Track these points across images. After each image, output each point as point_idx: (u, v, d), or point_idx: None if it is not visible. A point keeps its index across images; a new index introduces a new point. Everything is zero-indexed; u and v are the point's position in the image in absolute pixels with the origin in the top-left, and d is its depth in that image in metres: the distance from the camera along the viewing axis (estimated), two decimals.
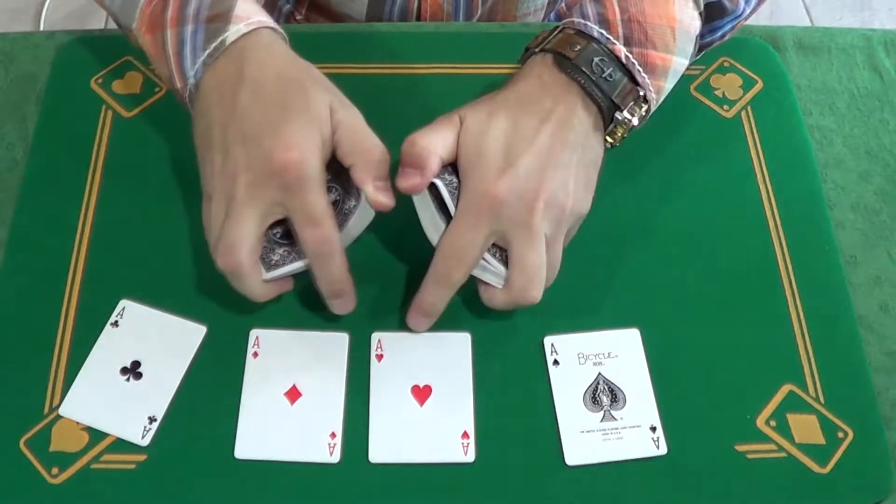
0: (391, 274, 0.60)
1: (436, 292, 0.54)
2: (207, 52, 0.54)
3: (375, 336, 0.57)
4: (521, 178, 0.52)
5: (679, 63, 0.59)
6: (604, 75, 0.56)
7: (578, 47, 0.56)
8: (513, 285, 0.54)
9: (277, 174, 0.51)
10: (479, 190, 0.52)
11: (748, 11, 0.66)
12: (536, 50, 0.58)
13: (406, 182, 0.53)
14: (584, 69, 0.55)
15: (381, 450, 0.53)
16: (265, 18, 0.56)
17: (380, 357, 0.57)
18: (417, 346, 0.57)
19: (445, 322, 0.57)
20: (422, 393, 0.55)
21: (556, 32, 0.58)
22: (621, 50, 0.56)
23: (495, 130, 0.54)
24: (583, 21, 0.57)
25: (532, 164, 0.53)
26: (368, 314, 0.58)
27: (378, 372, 0.56)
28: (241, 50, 0.54)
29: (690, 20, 0.59)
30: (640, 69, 0.56)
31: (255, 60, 0.54)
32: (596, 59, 0.56)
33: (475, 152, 0.53)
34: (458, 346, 0.57)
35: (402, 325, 0.57)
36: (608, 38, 0.56)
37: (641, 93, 0.57)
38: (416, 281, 0.56)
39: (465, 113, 0.55)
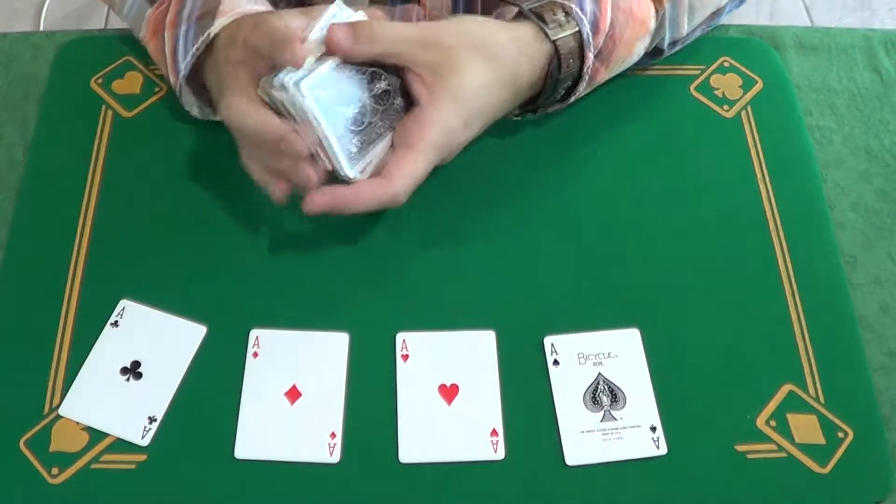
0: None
1: (369, 208, 0.55)
2: (196, 45, 0.57)
3: (400, 336, 0.57)
4: (473, 136, 0.58)
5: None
6: (565, 86, 0.61)
7: (571, 61, 0.59)
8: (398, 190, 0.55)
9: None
10: (451, 131, 0.56)
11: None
12: (549, 30, 0.58)
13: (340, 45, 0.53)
14: (563, 76, 0.60)
15: (411, 450, 0.53)
16: (252, 7, 0.59)
17: (405, 357, 0.57)
18: (443, 345, 0.57)
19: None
20: (449, 392, 0.55)
21: (569, 22, 0.59)
22: (589, 59, 0.60)
23: (487, 93, 0.57)
24: (581, 15, 0.59)
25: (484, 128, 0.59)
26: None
27: (404, 372, 0.56)
28: (219, 39, 0.57)
29: (638, 55, 0.64)
30: (586, 81, 0.61)
31: (223, 46, 0.57)
32: (571, 72, 0.60)
33: (466, 97, 0.56)
34: (483, 345, 0.57)
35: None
36: (589, 44, 0.59)
37: (561, 105, 0.63)
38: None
39: (468, 66, 0.55)
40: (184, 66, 0.58)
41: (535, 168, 0.65)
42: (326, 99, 0.53)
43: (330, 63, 0.53)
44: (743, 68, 0.71)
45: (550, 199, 0.63)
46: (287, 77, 0.52)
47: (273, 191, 0.56)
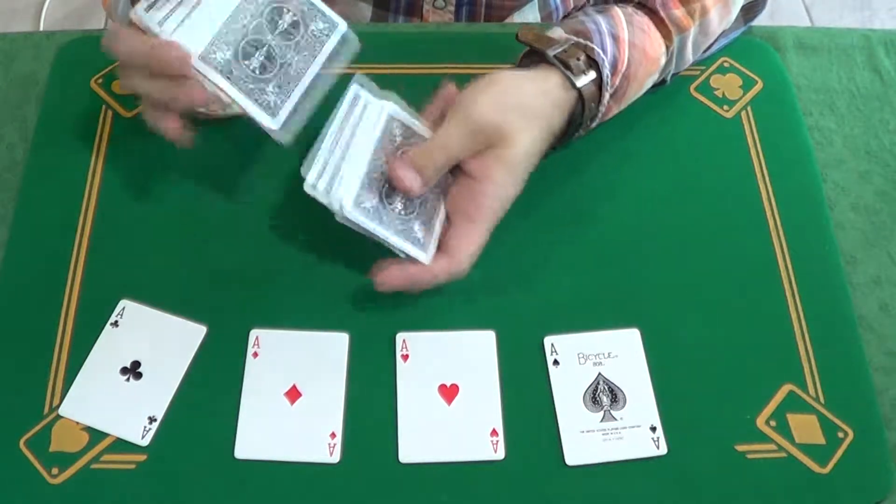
0: None
1: (439, 283, 0.56)
2: None
3: (400, 336, 0.57)
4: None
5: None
6: (584, 127, 0.62)
7: (593, 105, 0.60)
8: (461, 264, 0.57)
9: None
10: (507, 199, 0.57)
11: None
12: (574, 78, 0.58)
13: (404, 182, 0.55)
14: (585, 119, 0.60)
15: (411, 450, 0.54)
16: None
17: (405, 357, 0.57)
18: (443, 345, 0.57)
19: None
20: (449, 392, 0.55)
21: (590, 66, 0.59)
22: (605, 98, 0.60)
23: (534, 152, 0.58)
24: (603, 56, 0.60)
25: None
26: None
27: (404, 372, 0.56)
28: None
29: (645, 89, 0.66)
30: (598, 118, 0.62)
31: None
32: (591, 115, 0.61)
33: (519, 161, 0.57)
34: (483, 345, 0.57)
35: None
36: (608, 85, 0.60)
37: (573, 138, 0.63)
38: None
39: (517, 134, 0.56)
40: None
41: (534, 168, 0.65)
42: (371, 206, 0.55)
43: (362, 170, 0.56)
44: (743, 68, 0.71)
45: (550, 199, 0.63)
46: (337, 204, 0.55)
47: (167, 130, 0.55)
